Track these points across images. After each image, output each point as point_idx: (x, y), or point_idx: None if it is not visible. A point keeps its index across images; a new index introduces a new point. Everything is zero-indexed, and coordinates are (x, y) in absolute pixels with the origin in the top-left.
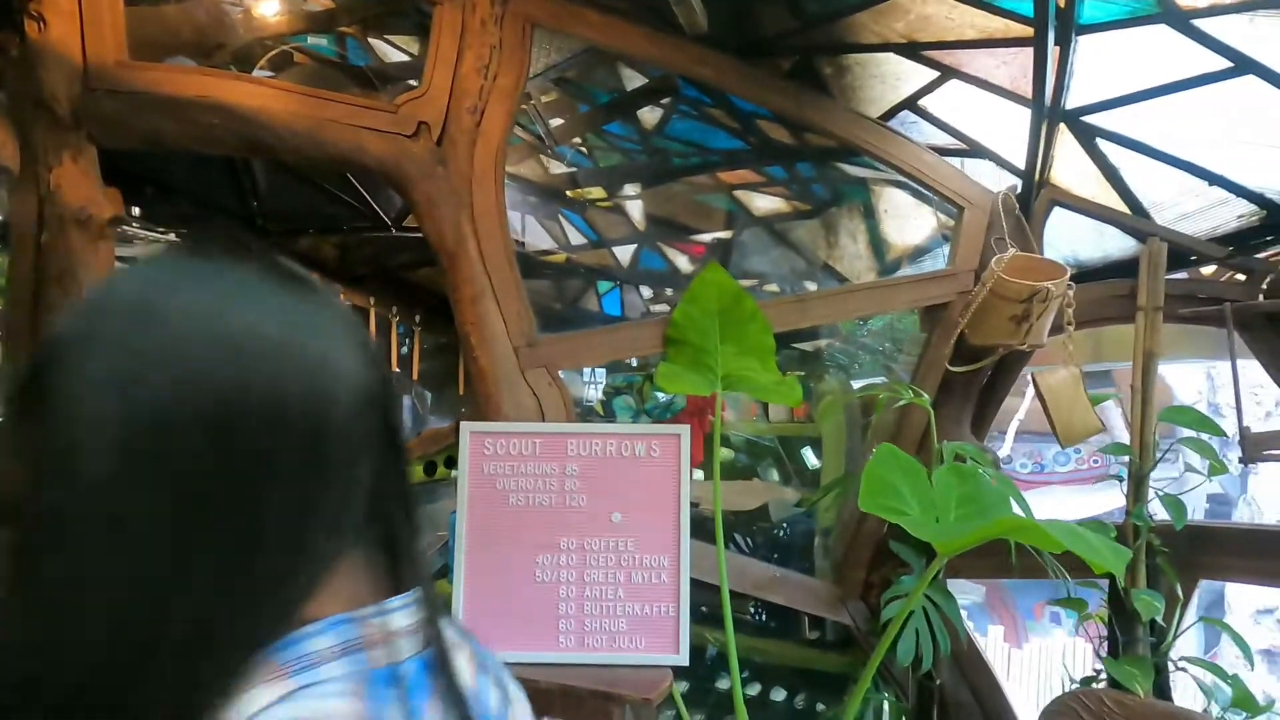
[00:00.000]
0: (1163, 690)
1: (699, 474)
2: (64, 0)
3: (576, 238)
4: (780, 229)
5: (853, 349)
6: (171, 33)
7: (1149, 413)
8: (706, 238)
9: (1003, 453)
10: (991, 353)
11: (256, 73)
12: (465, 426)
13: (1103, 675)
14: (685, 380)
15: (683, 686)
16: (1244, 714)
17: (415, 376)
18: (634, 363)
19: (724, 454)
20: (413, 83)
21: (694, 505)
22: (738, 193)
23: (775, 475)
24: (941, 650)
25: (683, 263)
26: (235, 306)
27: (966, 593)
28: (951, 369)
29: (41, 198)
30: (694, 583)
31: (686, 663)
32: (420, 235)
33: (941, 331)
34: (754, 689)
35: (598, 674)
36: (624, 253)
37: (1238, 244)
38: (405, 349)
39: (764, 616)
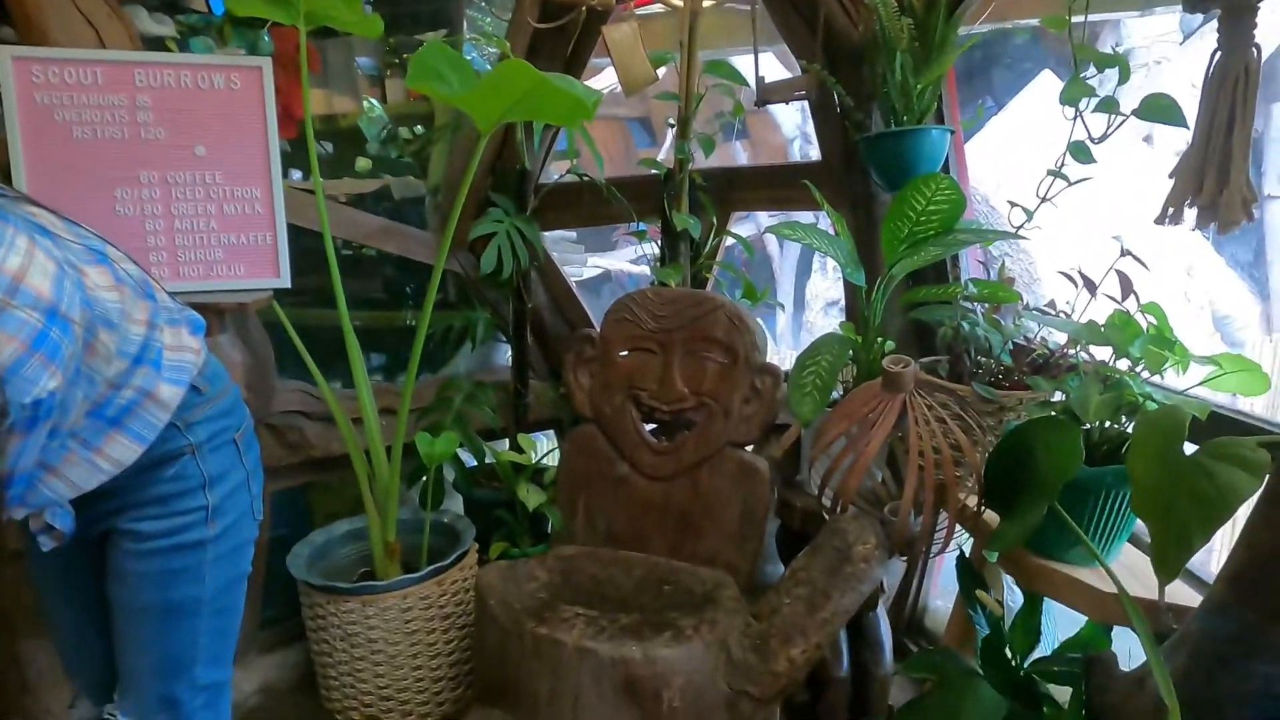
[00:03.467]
0: (697, 284)
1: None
2: None
3: None
4: None
5: (471, 32)
6: None
7: (694, 64)
8: None
9: None
10: (570, 10)
11: None
12: (7, 54)
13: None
14: (260, 7)
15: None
16: (749, 302)
17: None
18: None
19: (363, 164)
20: None
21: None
22: None
23: (410, 177)
24: (522, 263)
25: None
26: None
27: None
28: (536, 25)
29: None
30: (303, 231)
31: (288, 284)
32: None
33: None
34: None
35: (199, 299)
36: None
37: None
38: None
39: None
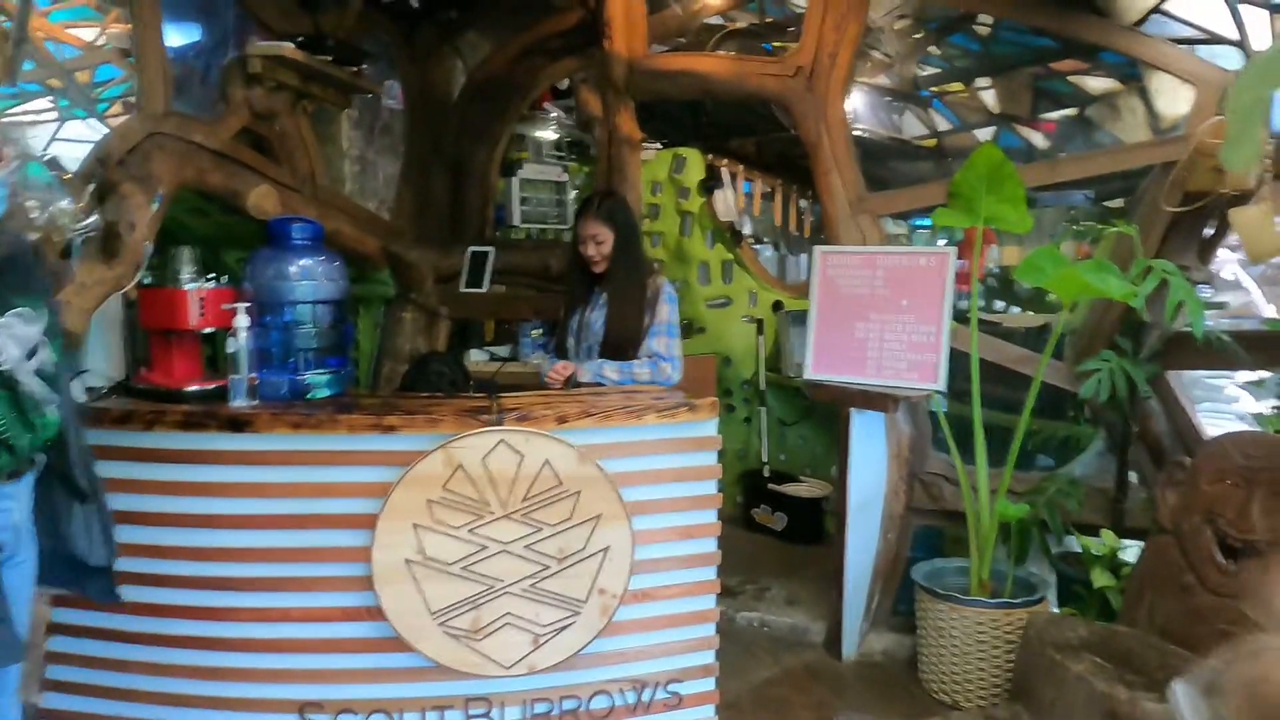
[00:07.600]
0: None
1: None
2: (618, 20)
3: (944, 124)
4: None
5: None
6: (662, 28)
7: None
8: (1054, 116)
9: None
10: (1204, 197)
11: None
12: (818, 250)
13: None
14: (955, 218)
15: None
16: None
17: (806, 234)
18: None
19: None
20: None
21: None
22: (1071, 78)
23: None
24: (1119, 393)
25: (1037, 139)
26: None
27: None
28: (1172, 209)
29: (610, 130)
30: (960, 354)
31: (943, 389)
32: None
33: (1164, 182)
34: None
35: (888, 391)
36: (986, 135)
37: None
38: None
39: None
